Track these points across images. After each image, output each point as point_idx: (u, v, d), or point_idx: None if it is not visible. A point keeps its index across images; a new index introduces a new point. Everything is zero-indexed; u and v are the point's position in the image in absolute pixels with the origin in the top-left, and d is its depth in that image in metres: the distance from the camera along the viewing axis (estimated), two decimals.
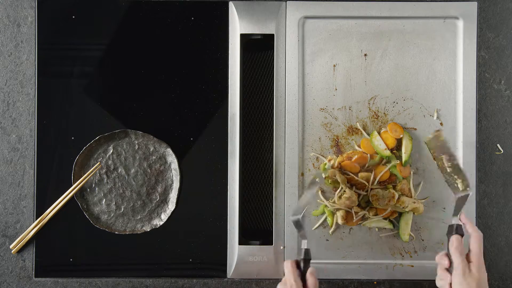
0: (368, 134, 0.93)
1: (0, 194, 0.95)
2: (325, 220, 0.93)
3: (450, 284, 0.77)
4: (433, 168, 0.94)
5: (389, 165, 0.91)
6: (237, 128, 0.94)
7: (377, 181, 0.91)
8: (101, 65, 0.95)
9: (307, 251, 0.81)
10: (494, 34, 0.96)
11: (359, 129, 0.94)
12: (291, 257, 0.93)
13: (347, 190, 0.91)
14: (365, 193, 0.91)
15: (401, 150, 0.92)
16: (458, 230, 0.79)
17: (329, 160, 0.92)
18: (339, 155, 0.93)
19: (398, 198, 0.89)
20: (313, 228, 0.94)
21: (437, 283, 0.80)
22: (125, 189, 0.95)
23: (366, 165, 0.92)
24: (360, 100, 0.95)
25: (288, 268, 0.80)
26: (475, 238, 0.78)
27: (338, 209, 0.91)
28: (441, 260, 0.79)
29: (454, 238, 0.78)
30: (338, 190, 0.90)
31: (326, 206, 0.93)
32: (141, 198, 0.95)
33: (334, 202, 0.91)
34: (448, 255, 0.79)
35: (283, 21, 0.94)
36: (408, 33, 0.94)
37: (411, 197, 0.92)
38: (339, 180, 0.90)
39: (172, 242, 0.94)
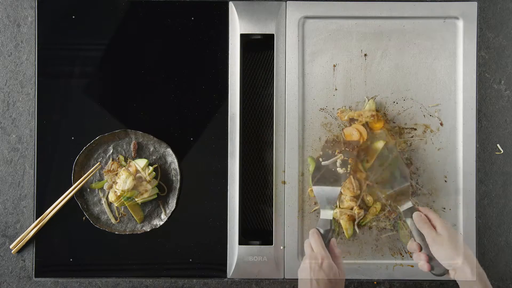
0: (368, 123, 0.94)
1: (0, 194, 0.95)
2: (333, 232, 0.94)
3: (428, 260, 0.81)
4: (433, 168, 0.94)
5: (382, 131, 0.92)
6: (237, 128, 0.94)
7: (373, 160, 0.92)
8: (101, 65, 0.95)
9: (330, 222, 0.85)
10: (494, 34, 0.96)
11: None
12: (291, 257, 0.93)
13: (347, 180, 0.90)
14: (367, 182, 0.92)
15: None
16: (414, 210, 0.85)
17: (342, 112, 0.92)
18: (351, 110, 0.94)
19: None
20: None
21: (420, 267, 0.82)
22: None
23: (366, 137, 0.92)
24: (360, 100, 0.95)
25: (314, 237, 0.82)
26: (434, 214, 0.83)
27: (342, 214, 0.92)
28: (411, 248, 0.83)
29: (416, 215, 0.83)
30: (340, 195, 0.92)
31: (335, 220, 0.93)
32: None
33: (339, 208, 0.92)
34: (414, 239, 0.83)
35: (283, 21, 0.94)
36: (408, 33, 0.94)
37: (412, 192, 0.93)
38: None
39: (172, 242, 0.94)
